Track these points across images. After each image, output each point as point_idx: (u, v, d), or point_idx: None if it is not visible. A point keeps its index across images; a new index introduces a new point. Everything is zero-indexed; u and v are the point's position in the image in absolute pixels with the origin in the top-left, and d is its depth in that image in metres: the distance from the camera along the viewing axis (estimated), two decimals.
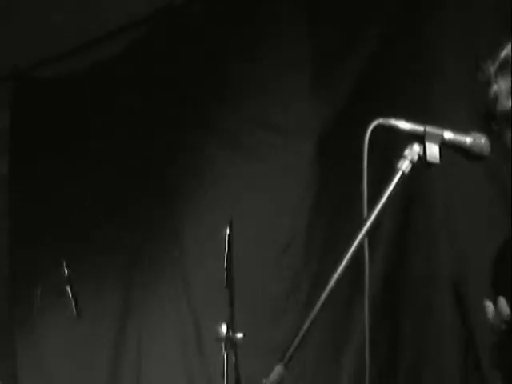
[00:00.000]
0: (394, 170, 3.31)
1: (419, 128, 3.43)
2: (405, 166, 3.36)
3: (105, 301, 7.70)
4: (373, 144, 3.44)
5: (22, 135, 8.84)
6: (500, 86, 3.63)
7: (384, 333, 6.09)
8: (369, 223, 3.29)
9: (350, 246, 3.23)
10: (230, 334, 5.39)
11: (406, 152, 3.38)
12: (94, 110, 8.15)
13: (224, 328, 5.42)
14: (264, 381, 3.36)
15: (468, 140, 3.47)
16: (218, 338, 5.45)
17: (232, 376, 5.12)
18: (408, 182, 3.63)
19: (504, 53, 3.65)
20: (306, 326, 3.16)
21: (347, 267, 3.20)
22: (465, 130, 3.50)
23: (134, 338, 7.60)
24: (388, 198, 3.34)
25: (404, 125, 3.43)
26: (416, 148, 3.39)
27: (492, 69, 3.67)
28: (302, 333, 3.16)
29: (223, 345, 5.40)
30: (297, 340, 3.17)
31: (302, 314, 6.11)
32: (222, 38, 7.28)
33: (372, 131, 3.40)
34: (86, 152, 8.11)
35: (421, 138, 3.42)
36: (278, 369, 3.13)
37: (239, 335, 5.39)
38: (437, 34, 5.65)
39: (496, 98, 3.64)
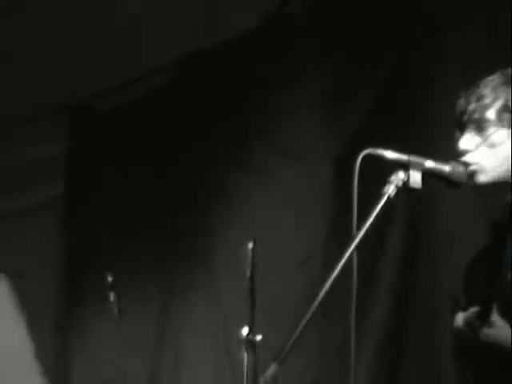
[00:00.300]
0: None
1: (404, 157, 3.42)
2: (390, 190, 3.35)
3: (146, 306, 7.61)
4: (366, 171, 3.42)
5: (78, 160, 8.71)
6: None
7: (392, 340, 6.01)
8: (357, 240, 3.26)
9: (340, 259, 3.24)
10: (251, 336, 5.20)
11: (392, 178, 3.37)
12: (138, 139, 8.06)
13: (245, 331, 5.25)
14: (261, 378, 3.31)
15: (447, 168, 3.46)
16: (239, 340, 5.29)
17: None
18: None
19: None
20: (298, 330, 3.14)
21: (336, 279, 3.21)
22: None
23: (172, 339, 7.50)
24: (375, 217, 3.29)
25: (390, 154, 3.42)
26: (401, 175, 3.38)
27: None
28: (294, 335, 3.12)
29: (244, 346, 5.23)
30: (290, 342, 3.12)
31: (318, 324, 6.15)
32: (244, 77, 7.18)
33: (362, 159, 3.37)
34: (133, 176, 8.00)
35: (406, 166, 3.40)
36: (272, 366, 3.11)
37: (258, 337, 5.19)
38: (441, 68, 5.56)
39: None
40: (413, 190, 3.42)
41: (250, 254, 5.32)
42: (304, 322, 3.16)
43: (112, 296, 6.34)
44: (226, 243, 6.88)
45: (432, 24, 5.96)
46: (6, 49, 7.55)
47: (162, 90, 7.96)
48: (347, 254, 3.26)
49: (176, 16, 7.07)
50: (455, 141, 3.61)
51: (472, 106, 3.52)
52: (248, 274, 5.34)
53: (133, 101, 8.12)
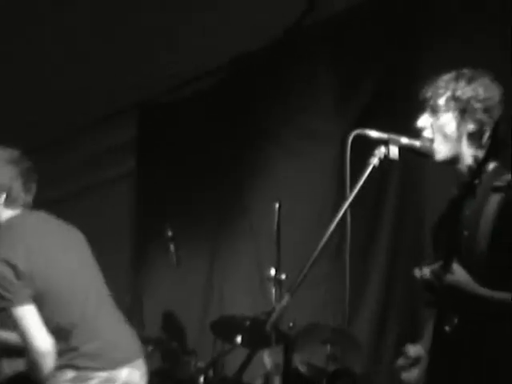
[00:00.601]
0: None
1: (384, 135, 3.43)
2: (374, 161, 3.35)
3: (198, 253, 7.73)
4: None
5: (145, 144, 8.88)
6: None
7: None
8: (347, 203, 3.30)
9: (334, 219, 3.27)
10: (277, 275, 5.44)
11: (375, 152, 3.39)
12: (192, 128, 8.17)
13: (273, 271, 5.48)
14: (276, 305, 3.46)
15: (417, 143, 3.47)
16: (268, 278, 5.52)
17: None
18: None
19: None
20: (308, 264, 3.19)
21: (331, 235, 3.24)
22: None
23: (218, 278, 7.64)
24: (362, 184, 3.30)
25: (374, 133, 3.42)
26: (382, 149, 3.40)
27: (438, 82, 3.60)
28: (305, 270, 3.18)
29: (272, 282, 5.46)
30: (301, 276, 3.18)
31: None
32: (274, 78, 7.27)
33: (353, 138, 3.39)
34: (188, 155, 8.15)
35: (386, 142, 3.41)
36: (286, 296, 3.20)
37: (283, 276, 5.41)
38: (427, 69, 5.43)
39: None
40: (392, 161, 3.42)
41: (276, 212, 5.53)
42: (309, 264, 3.19)
43: (171, 247, 6.57)
44: (260, 203, 6.97)
45: (422, 33, 6.02)
46: (88, 53, 7.59)
47: (211, 89, 7.98)
48: (342, 211, 3.29)
49: (222, 27, 7.03)
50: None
51: (429, 94, 3.52)
52: (275, 227, 5.54)
53: (188, 98, 8.20)
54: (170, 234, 6.60)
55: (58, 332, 4.30)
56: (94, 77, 7.95)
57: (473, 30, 5.61)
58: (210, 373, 5.93)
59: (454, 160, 3.50)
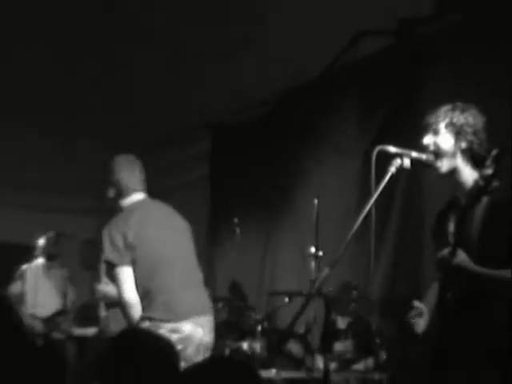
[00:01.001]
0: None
1: (399, 150, 3.51)
2: (392, 169, 3.45)
3: (257, 234, 7.80)
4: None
5: (217, 155, 8.93)
6: None
7: None
8: (372, 200, 3.40)
9: (361, 212, 3.38)
10: (316, 252, 5.36)
11: (393, 162, 3.48)
12: (254, 143, 8.22)
13: (313, 249, 5.41)
14: (315, 277, 3.55)
15: (424, 156, 3.55)
16: (309, 254, 5.43)
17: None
18: None
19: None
20: (343, 246, 3.30)
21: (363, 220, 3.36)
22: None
23: (271, 253, 7.71)
24: (382, 189, 3.40)
25: (392, 149, 3.51)
26: (398, 160, 3.48)
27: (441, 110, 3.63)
28: (344, 246, 3.30)
29: (312, 258, 5.37)
30: (338, 255, 3.29)
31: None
32: (314, 108, 7.29)
33: (377, 153, 3.50)
34: (252, 164, 8.19)
35: (401, 155, 3.50)
36: (325, 270, 3.29)
37: (320, 253, 5.34)
38: (429, 99, 5.49)
39: None
40: (406, 169, 3.50)
41: (316, 206, 5.54)
42: (344, 246, 3.28)
43: (237, 230, 6.68)
44: (301, 202, 7.01)
45: (427, 74, 5.98)
46: (175, 83, 7.63)
47: (265, 115, 7.97)
48: (369, 206, 3.37)
49: (272, 64, 6.99)
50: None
51: (432, 120, 3.57)
52: (314, 216, 5.53)
53: (249, 120, 8.23)
54: (236, 221, 6.68)
55: (143, 291, 4.45)
56: (180, 102, 7.98)
57: (463, 72, 5.57)
58: (266, 324, 5.94)
59: (452, 172, 3.54)
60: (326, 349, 3.56)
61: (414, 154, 3.55)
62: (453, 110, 3.57)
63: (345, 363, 5.59)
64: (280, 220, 7.62)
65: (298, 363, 5.69)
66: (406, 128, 5.70)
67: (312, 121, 7.31)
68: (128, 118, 8.60)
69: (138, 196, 4.74)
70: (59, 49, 6.99)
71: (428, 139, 3.59)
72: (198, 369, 2.12)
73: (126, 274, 4.45)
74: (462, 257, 3.30)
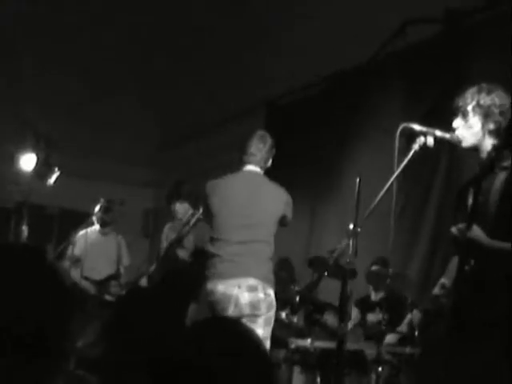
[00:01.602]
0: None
1: (423, 128, 3.63)
2: (416, 147, 3.59)
3: (303, 210, 7.75)
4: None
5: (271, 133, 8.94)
6: None
7: None
8: (393, 178, 3.65)
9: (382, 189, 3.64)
10: (355, 229, 5.54)
11: (417, 140, 3.60)
12: (304, 122, 8.34)
13: (352, 225, 5.60)
14: (337, 246, 3.71)
15: (447, 135, 3.64)
16: (349, 231, 5.71)
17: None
18: None
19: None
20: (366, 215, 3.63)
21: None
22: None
23: (317, 229, 7.86)
24: (406, 164, 3.59)
25: (416, 127, 3.62)
26: (422, 138, 3.60)
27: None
28: (363, 219, 3.59)
29: (351, 234, 5.54)
30: (359, 225, 3.58)
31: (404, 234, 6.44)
32: (360, 91, 7.44)
33: (401, 130, 3.64)
34: (302, 142, 8.27)
35: (425, 133, 3.61)
36: (344, 240, 3.55)
37: (359, 229, 5.55)
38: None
39: None
40: (428, 148, 3.58)
41: (358, 184, 5.82)
42: (363, 218, 3.60)
43: None
44: (346, 179, 7.07)
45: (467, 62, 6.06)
46: (236, 66, 7.98)
47: (317, 95, 8.12)
48: (389, 182, 3.63)
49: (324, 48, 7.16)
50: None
51: (460, 103, 3.60)
52: (356, 194, 5.89)
53: (300, 100, 8.39)
54: None
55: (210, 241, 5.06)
56: (238, 83, 8.19)
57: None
58: (304, 295, 5.97)
59: (475, 148, 3.61)
60: (341, 318, 3.71)
61: (438, 133, 3.61)
62: (479, 91, 3.58)
63: (377, 335, 5.72)
64: (326, 196, 7.71)
65: (332, 334, 5.79)
66: (450, 114, 5.77)
67: (359, 102, 7.41)
68: (185, 95, 8.87)
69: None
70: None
71: (457, 122, 3.63)
72: None
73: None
74: (476, 231, 3.35)
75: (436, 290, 3.74)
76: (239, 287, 4.90)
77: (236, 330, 1.70)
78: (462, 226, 3.39)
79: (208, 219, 5.30)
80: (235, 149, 9.18)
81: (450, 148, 5.28)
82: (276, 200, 5.18)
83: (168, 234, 6.42)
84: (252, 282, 4.93)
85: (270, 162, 5.39)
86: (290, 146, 8.33)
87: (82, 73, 8.53)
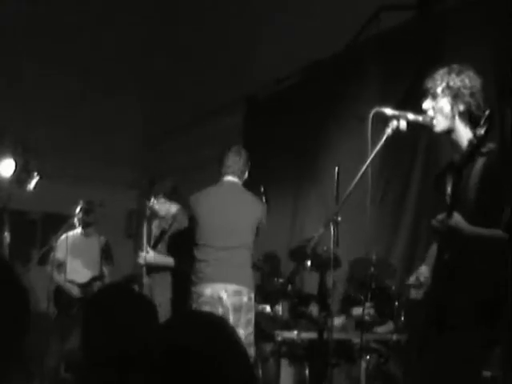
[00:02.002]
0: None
1: (395, 112, 3.55)
2: (388, 131, 3.51)
3: (284, 203, 7.89)
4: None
5: (248, 125, 9.00)
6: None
7: None
8: (367, 163, 3.56)
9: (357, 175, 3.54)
10: (335, 217, 5.43)
11: (390, 124, 3.52)
12: (281, 114, 8.30)
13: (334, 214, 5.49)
14: (314, 234, 3.65)
15: (420, 118, 3.55)
16: (330, 219, 5.50)
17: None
18: None
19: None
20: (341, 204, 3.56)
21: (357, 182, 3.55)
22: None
23: (299, 218, 7.83)
24: (379, 148, 3.53)
25: (388, 111, 3.55)
26: (395, 122, 3.52)
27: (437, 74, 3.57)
28: (338, 208, 3.53)
29: (332, 222, 5.46)
30: (333, 214, 3.55)
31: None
32: (336, 80, 7.43)
33: (373, 115, 3.56)
34: (279, 134, 8.28)
35: (397, 117, 3.53)
36: (321, 229, 3.42)
37: (339, 218, 5.47)
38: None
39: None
40: (400, 131, 3.50)
41: (337, 173, 5.25)
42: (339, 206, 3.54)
43: (263, 198, 6.35)
44: (327, 168, 6.91)
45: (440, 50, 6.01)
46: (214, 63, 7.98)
47: (295, 87, 8.09)
48: (363, 169, 3.54)
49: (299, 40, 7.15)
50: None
51: (430, 84, 3.52)
52: (335, 184, 5.34)
53: (279, 92, 8.36)
54: (262, 189, 6.50)
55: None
56: (218, 78, 8.19)
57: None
58: (289, 287, 6.02)
59: (449, 132, 3.53)
60: (322, 307, 3.67)
61: (411, 116, 3.54)
62: (449, 73, 3.53)
63: (365, 326, 5.67)
64: (307, 187, 7.70)
65: (318, 325, 5.80)
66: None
67: (336, 91, 7.39)
68: (165, 91, 8.81)
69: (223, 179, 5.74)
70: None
71: (427, 104, 3.56)
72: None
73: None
74: (457, 218, 3.30)
75: (411, 279, 3.70)
76: (226, 291, 5.26)
77: (210, 321, 1.71)
78: (441, 216, 3.35)
79: (193, 228, 5.58)
80: (219, 144, 9.31)
81: (428, 132, 5.21)
82: (254, 208, 5.54)
83: (154, 230, 6.35)
84: (237, 287, 5.30)
85: (246, 175, 5.70)
86: (269, 139, 8.38)
87: (61, 74, 8.51)
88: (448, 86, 3.49)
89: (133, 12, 7.37)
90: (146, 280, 6.08)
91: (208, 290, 5.31)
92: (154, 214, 6.26)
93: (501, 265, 3.21)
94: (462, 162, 3.35)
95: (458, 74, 3.50)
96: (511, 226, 3.24)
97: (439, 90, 3.51)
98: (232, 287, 5.30)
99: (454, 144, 3.55)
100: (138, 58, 8.24)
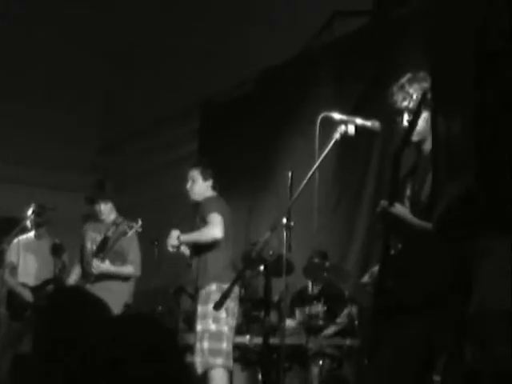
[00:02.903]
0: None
1: (343, 117, 3.53)
2: (337, 135, 3.49)
3: (239, 205, 7.56)
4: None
5: (205, 132, 8.97)
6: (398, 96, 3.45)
7: None
8: (314, 167, 3.56)
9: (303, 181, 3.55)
10: (288, 222, 5.45)
11: (338, 129, 3.50)
12: (240, 119, 8.27)
13: (285, 219, 5.50)
14: (260, 239, 3.61)
15: (369, 123, 3.55)
16: (282, 224, 5.57)
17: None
18: None
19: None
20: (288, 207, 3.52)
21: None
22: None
23: (255, 221, 7.75)
24: (326, 154, 3.52)
25: (336, 115, 3.53)
26: (343, 127, 3.50)
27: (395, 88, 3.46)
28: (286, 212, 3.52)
29: (284, 227, 5.46)
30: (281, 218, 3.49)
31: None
32: (294, 85, 7.41)
33: (321, 120, 3.56)
34: (236, 139, 8.24)
35: (345, 122, 3.51)
36: (267, 233, 3.43)
37: (292, 223, 5.46)
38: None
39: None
40: (348, 136, 3.49)
41: (290, 178, 5.71)
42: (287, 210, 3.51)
43: None
44: (282, 172, 6.29)
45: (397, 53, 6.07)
46: (166, 68, 7.93)
47: (250, 93, 8.10)
48: (310, 173, 3.57)
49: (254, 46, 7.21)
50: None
51: (401, 101, 3.41)
52: (288, 187, 5.79)
53: (235, 98, 8.32)
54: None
55: None
56: (172, 83, 8.13)
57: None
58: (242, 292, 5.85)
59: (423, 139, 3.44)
60: (266, 313, 3.62)
61: (359, 121, 3.53)
62: (411, 80, 3.48)
63: (316, 328, 5.66)
64: (262, 192, 7.68)
65: (271, 329, 5.77)
66: (380, 102, 5.76)
67: (291, 96, 7.39)
68: (121, 99, 8.69)
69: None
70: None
71: (411, 118, 3.41)
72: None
73: None
74: (398, 207, 3.30)
75: (365, 278, 3.75)
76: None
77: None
78: (384, 203, 3.31)
79: None
80: (173, 149, 9.20)
81: (381, 136, 5.22)
82: None
83: (92, 234, 6.24)
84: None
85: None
86: (225, 144, 8.36)
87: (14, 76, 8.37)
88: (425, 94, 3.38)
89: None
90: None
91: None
92: (94, 216, 6.14)
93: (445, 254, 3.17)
94: (400, 145, 3.28)
95: (422, 79, 3.43)
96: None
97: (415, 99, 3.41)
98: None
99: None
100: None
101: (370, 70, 6.42)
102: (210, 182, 5.70)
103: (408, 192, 3.48)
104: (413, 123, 3.24)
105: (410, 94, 3.42)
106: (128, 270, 6.04)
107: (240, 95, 8.22)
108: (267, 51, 7.20)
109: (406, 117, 3.42)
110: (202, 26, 7.18)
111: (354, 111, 6.01)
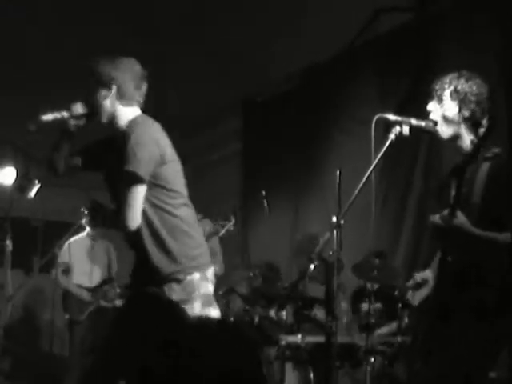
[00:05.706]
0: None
1: (398, 118, 3.52)
2: (392, 136, 3.48)
3: (285, 207, 7.88)
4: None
5: (248, 130, 8.98)
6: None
7: None
8: (371, 169, 3.52)
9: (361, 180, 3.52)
10: (338, 221, 5.45)
11: (393, 129, 3.50)
12: (283, 121, 8.24)
13: (335, 218, 5.49)
14: (320, 239, 3.58)
15: (423, 123, 3.55)
16: (333, 223, 5.56)
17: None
18: None
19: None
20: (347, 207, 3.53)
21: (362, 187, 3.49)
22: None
23: (302, 219, 7.70)
24: (383, 154, 3.49)
25: (391, 117, 3.53)
26: (398, 128, 3.50)
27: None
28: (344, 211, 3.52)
29: (335, 226, 5.42)
30: (339, 219, 3.52)
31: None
32: (336, 83, 7.40)
33: (376, 120, 3.54)
34: (279, 138, 8.25)
35: (400, 123, 3.51)
36: (327, 234, 3.46)
37: (342, 221, 5.43)
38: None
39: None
40: (403, 137, 3.48)
41: (338, 176, 5.74)
42: (343, 211, 3.58)
43: (265, 202, 6.70)
44: (327, 171, 6.94)
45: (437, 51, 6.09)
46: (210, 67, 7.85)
47: (294, 90, 8.06)
48: (368, 173, 3.51)
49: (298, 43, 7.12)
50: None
51: (437, 86, 3.54)
52: (336, 187, 5.80)
53: (277, 96, 8.32)
54: (263, 193, 6.70)
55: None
56: (214, 80, 8.06)
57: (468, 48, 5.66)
58: (292, 291, 5.87)
59: (454, 138, 3.54)
60: (328, 312, 3.62)
61: (414, 122, 3.54)
62: (458, 78, 3.54)
63: (370, 327, 5.64)
64: (308, 191, 7.64)
65: (323, 328, 5.75)
66: (424, 100, 5.76)
67: (335, 94, 7.38)
68: (163, 96, 8.70)
69: (133, 107, 3.82)
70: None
71: (432, 105, 3.58)
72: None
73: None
74: (461, 218, 3.28)
75: (410, 282, 3.72)
76: None
77: None
78: (445, 212, 3.29)
79: None
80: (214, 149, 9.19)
81: (428, 135, 5.21)
82: None
83: None
84: None
85: None
86: (268, 142, 8.35)
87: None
88: (456, 90, 3.50)
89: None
90: None
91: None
92: None
93: (506, 268, 3.22)
94: (465, 161, 3.34)
95: (467, 80, 3.51)
96: None
97: (447, 93, 3.52)
98: None
99: (459, 150, 3.55)
100: None
101: (414, 67, 6.40)
102: None
103: (452, 192, 3.48)
104: (484, 137, 3.29)
105: (456, 87, 3.50)
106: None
107: (283, 93, 8.21)
108: (309, 49, 7.18)
109: (433, 104, 3.53)
110: (241, 22, 7.10)
111: (398, 108, 6.12)
